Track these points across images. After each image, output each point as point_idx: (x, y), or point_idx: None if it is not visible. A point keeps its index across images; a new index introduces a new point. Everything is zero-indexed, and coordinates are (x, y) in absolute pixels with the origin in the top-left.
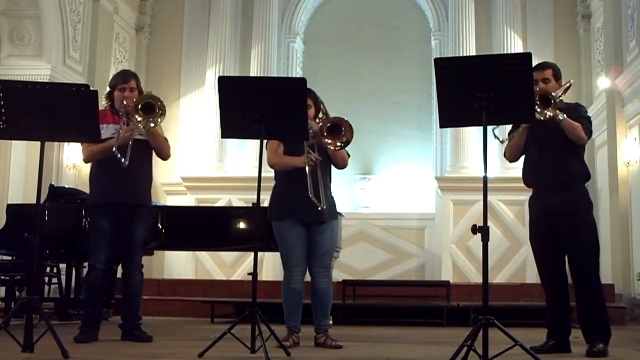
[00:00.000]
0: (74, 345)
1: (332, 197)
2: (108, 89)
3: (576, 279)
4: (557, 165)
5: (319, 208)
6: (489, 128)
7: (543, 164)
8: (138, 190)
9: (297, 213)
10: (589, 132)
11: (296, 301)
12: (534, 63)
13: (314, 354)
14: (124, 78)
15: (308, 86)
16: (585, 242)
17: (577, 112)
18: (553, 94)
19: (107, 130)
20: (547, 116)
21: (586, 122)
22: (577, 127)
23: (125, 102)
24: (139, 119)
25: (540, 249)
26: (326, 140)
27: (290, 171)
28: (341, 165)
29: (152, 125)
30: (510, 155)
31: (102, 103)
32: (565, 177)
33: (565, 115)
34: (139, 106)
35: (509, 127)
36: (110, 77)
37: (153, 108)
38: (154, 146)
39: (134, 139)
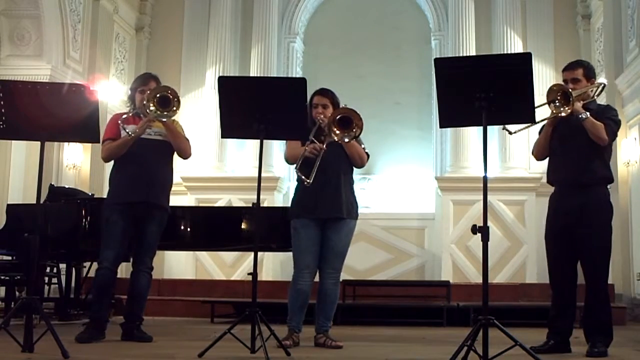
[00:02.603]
0: (74, 345)
1: (354, 197)
2: (129, 92)
3: (586, 281)
4: (579, 164)
5: (305, 183)
6: None
7: (566, 163)
8: (155, 190)
9: (314, 210)
10: (612, 134)
11: (301, 302)
12: (534, 63)
13: (314, 354)
14: (144, 80)
15: (308, 86)
16: (598, 247)
17: (606, 114)
18: (579, 92)
19: (125, 131)
20: (563, 114)
21: (611, 124)
22: (598, 127)
23: (144, 103)
24: (152, 107)
25: (553, 247)
26: (336, 132)
27: (307, 169)
28: (358, 163)
29: (163, 119)
30: (537, 153)
31: (126, 107)
32: (586, 177)
33: (588, 114)
34: (156, 97)
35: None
36: (111, 77)
37: (169, 102)
38: (175, 145)
39: (151, 139)
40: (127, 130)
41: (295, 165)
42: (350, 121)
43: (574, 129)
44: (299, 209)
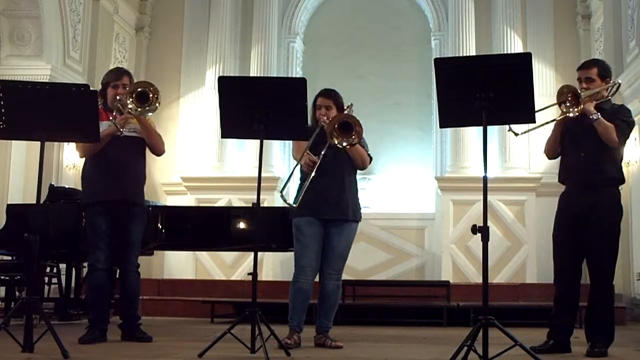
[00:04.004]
0: (74, 345)
1: (358, 199)
2: (100, 86)
3: (590, 281)
4: (590, 164)
5: (290, 206)
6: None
7: (577, 163)
8: (131, 188)
9: (316, 209)
10: (622, 136)
11: (302, 301)
12: (534, 63)
13: (314, 354)
14: (117, 75)
15: (308, 86)
16: (605, 247)
17: (618, 115)
18: (590, 92)
19: (100, 127)
20: (571, 115)
21: (622, 125)
22: (609, 128)
23: (118, 98)
24: (131, 105)
25: (561, 246)
26: (336, 136)
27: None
28: (360, 166)
29: (147, 114)
30: (548, 152)
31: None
32: (596, 177)
33: (599, 115)
34: (134, 94)
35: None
36: None
37: (147, 98)
38: (148, 141)
39: (126, 136)
40: (104, 128)
41: (281, 190)
42: (351, 127)
43: (585, 129)
44: (303, 207)
